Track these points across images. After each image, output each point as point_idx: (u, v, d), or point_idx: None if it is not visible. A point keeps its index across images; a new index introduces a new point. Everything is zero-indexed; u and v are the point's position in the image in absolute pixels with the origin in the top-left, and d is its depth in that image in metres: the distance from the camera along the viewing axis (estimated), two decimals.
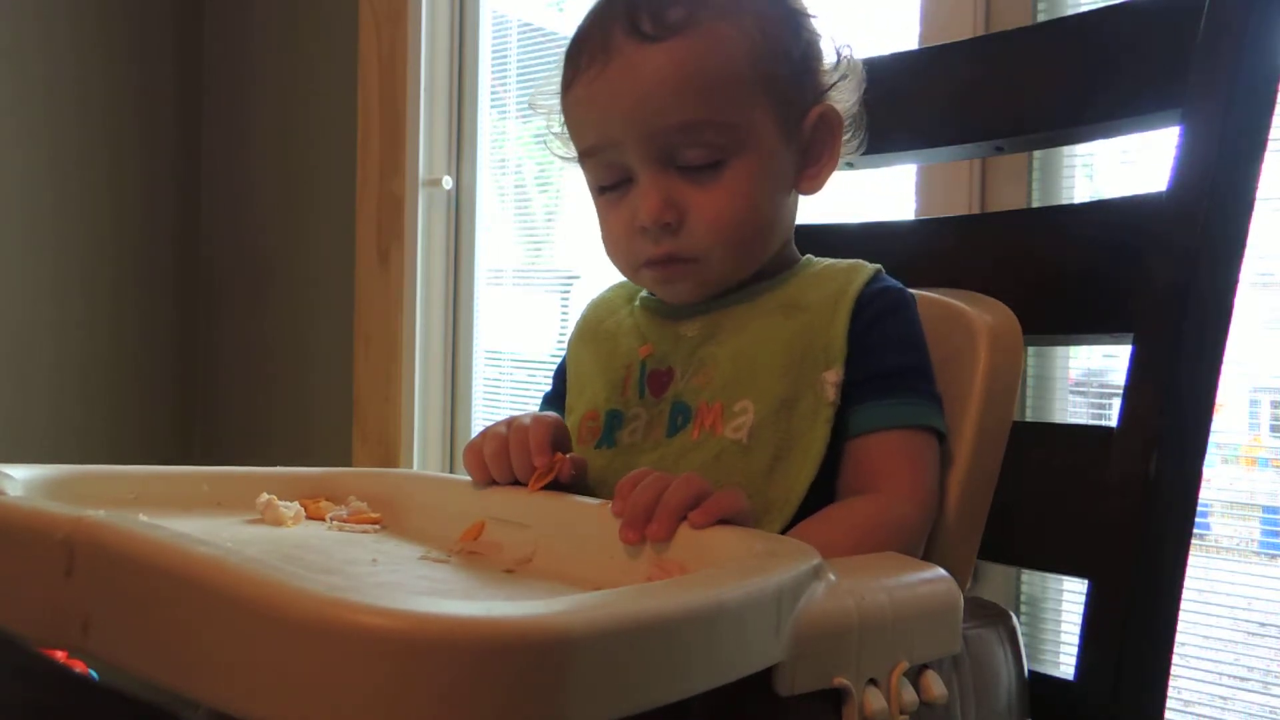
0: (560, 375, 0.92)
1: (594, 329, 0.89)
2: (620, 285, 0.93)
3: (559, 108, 0.84)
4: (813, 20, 0.82)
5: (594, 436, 0.82)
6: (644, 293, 0.88)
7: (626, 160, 0.78)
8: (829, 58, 0.83)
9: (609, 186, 0.80)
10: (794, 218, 0.85)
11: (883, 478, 0.74)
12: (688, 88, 0.75)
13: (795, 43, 0.80)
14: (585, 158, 0.81)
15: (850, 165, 0.92)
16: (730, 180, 0.77)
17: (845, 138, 0.84)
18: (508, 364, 1.94)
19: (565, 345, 0.92)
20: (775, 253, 0.83)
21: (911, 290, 0.82)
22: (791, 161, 0.81)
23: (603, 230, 0.83)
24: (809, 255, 0.86)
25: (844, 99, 0.83)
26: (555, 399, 0.91)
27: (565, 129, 0.84)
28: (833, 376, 0.75)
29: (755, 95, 0.77)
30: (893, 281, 0.81)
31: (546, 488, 0.74)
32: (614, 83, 0.76)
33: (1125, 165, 1.30)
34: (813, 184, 0.83)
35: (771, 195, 0.80)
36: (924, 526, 0.75)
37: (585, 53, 0.78)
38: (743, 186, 0.77)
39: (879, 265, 0.82)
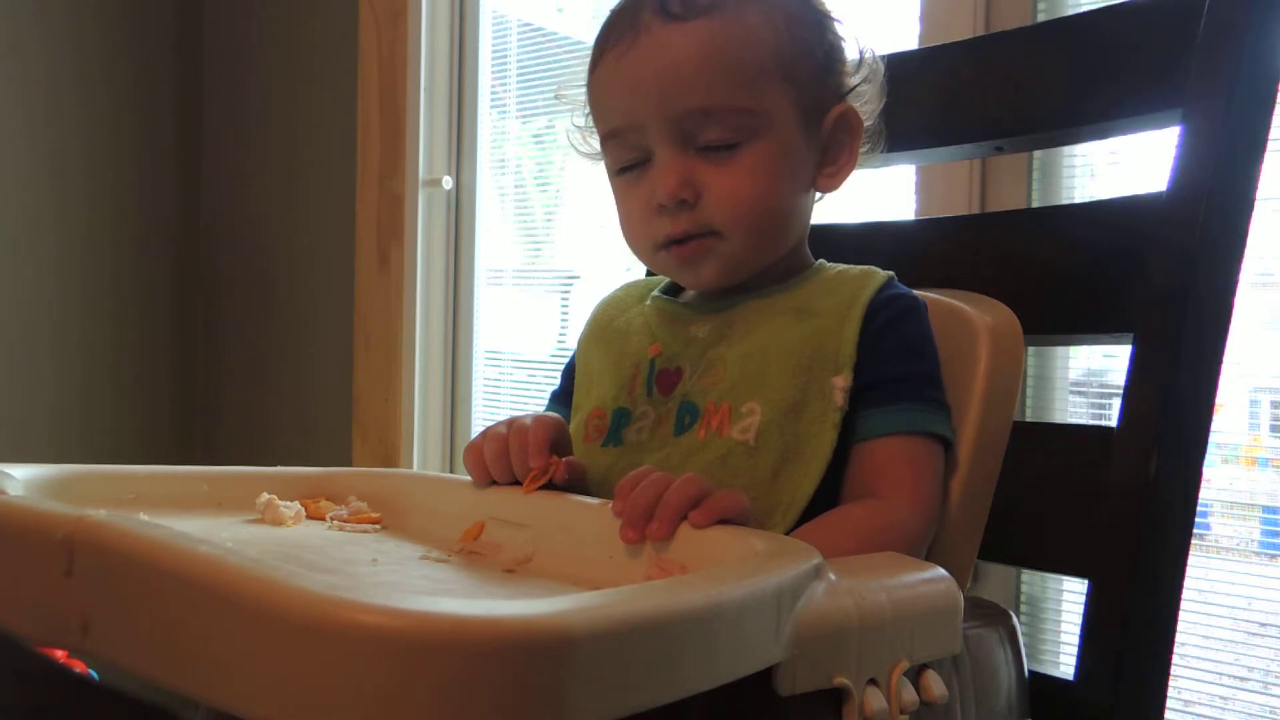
0: (569, 373, 0.92)
1: (604, 328, 0.89)
2: (631, 285, 0.93)
3: (583, 98, 0.84)
4: (838, 24, 0.83)
5: (600, 434, 0.82)
6: (655, 291, 0.88)
7: (646, 140, 0.78)
8: (852, 61, 0.84)
9: (628, 167, 0.81)
10: (809, 217, 0.85)
11: (887, 484, 0.74)
12: (711, 68, 0.76)
13: (819, 42, 0.81)
14: (606, 140, 0.82)
15: None
16: (748, 162, 0.77)
17: (864, 149, 0.84)
18: (508, 364, 1.94)
19: (565, 345, 0.93)
20: (790, 251, 0.83)
21: (912, 290, 0.82)
22: (810, 157, 0.81)
23: (620, 212, 0.83)
24: (822, 260, 0.86)
25: (865, 103, 0.84)
26: (563, 396, 0.91)
27: (589, 120, 0.85)
28: (841, 382, 0.75)
29: (777, 84, 0.78)
30: (904, 289, 0.81)
31: (544, 488, 0.74)
32: (639, 59, 0.77)
33: (1116, 166, 1.30)
34: (831, 183, 0.83)
35: (789, 184, 0.80)
36: (926, 534, 0.75)
37: (614, 32, 0.79)
38: (759, 169, 0.77)
39: (891, 272, 0.82)
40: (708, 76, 0.76)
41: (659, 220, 0.79)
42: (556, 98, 0.90)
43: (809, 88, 0.80)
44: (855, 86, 0.83)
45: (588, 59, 0.83)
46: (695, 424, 0.78)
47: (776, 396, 0.76)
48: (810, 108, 0.80)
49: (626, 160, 0.81)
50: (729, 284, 0.82)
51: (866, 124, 0.84)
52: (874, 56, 0.85)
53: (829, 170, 0.82)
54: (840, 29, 0.83)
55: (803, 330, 0.78)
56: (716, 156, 0.77)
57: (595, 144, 0.85)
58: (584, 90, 0.84)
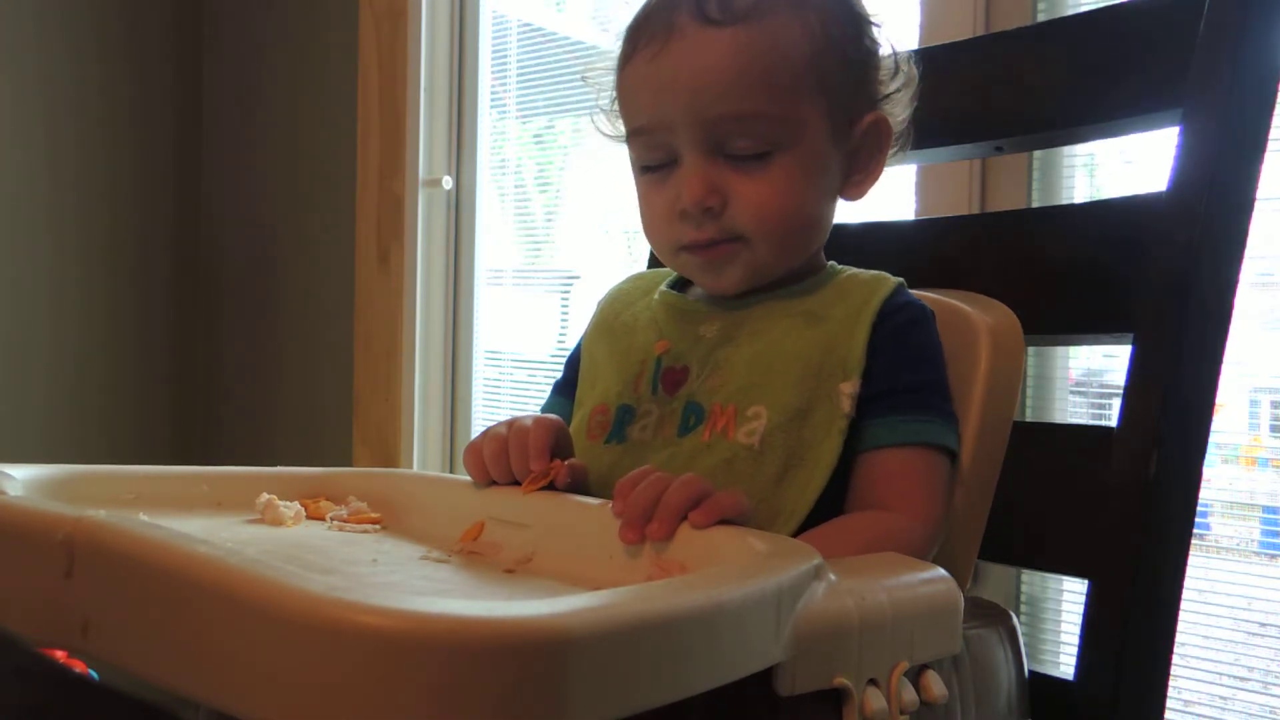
0: (572, 363, 0.91)
1: (610, 322, 0.89)
2: (638, 277, 0.92)
3: (610, 83, 0.84)
4: (876, 28, 0.82)
5: (604, 431, 0.81)
6: (663, 286, 0.88)
7: (675, 142, 0.78)
8: (888, 67, 0.83)
9: (653, 167, 0.80)
10: (832, 223, 0.84)
11: (893, 495, 0.74)
12: (746, 77, 0.75)
13: (856, 48, 0.81)
14: (633, 136, 0.81)
15: None
16: (776, 172, 0.77)
17: (892, 153, 0.83)
18: (508, 364, 1.94)
19: (565, 345, 0.92)
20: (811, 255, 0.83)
21: (912, 291, 0.82)
22: (838, 165, 0.81)
23: (642, 210, 0.83)
24: (833, 262, 0.85)
25: (896, 110, 0.83)
26: (565, 386, 0.90)
27: (614, 105, 0.84)
28: (849, 388, 0.75)
29: (811, 92, 0.77)
30: (913, 297, 0.81)
31: (544, 489, 0.74)
32: (674, 62, 0.76)
33: (1112, 166, 1.30)
34: (857, 191, 0.83)
35: (816, 193, 0.79)
36: (931, 547, 0.74)
37: (647, 30, 0.78)
38: (788, 179, 0.77)
39: (901, 279, 0.81)
40: (742, 85, 0.75)
41: (682, 225, 0.78)
42: (582, 80, 0.88)
43: (842, 97, 0.79)
44: (889, 95, 0.83)
45: (595, 52, 0.83)
46: (700, 425, 0.77)
47: (783, 401, 0.75)
48: (842, 117, 0.79)
49: (651, 160, 0.80)
50: (749, 289, 0.81)
51: (896, 131, 0.83)
52: (909, 61, 0.84)
53: (856, 179, 0.82)
54: (878, 33, 0.82)
55: (812, 335, 0.77)
56: (745, 165, 0.77)
57: (620, 127, 0.84)
58: (610, 75, 0.83)
